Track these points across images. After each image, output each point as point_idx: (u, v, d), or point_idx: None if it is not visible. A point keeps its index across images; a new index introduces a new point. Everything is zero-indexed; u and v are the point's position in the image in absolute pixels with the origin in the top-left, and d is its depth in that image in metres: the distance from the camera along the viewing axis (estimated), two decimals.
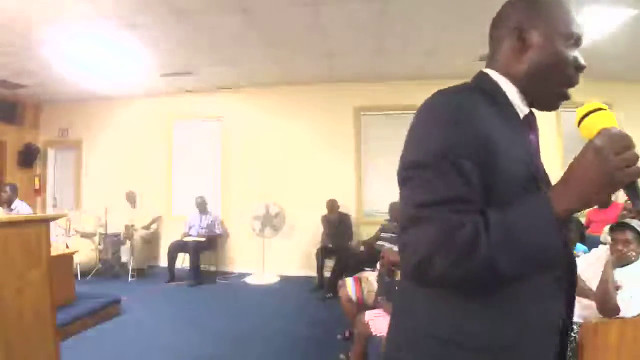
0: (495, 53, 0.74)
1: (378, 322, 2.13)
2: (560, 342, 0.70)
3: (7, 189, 4.24)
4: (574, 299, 0.73)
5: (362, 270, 3.29)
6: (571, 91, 0.71)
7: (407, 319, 0.71)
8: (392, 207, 4.32)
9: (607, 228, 2.78)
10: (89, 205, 5.89)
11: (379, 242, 4.16)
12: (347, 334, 2.95)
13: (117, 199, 5.55)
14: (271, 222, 5.10)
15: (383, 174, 5.23)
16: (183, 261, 5.12)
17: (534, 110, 0.74)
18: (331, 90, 5.38)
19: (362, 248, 4.61)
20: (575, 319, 1.75)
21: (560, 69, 0.68)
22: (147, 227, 5.50)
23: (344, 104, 5.42)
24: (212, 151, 5.83)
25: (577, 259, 0.93)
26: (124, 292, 4.00)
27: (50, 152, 6.48)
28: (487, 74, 0.73)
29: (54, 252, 2.36)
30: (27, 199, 5.26)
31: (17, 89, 5.37)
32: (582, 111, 0.62)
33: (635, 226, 1.97)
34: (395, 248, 2.89)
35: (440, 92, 0.65)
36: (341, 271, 4.18)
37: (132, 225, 5.29)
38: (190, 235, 5.13)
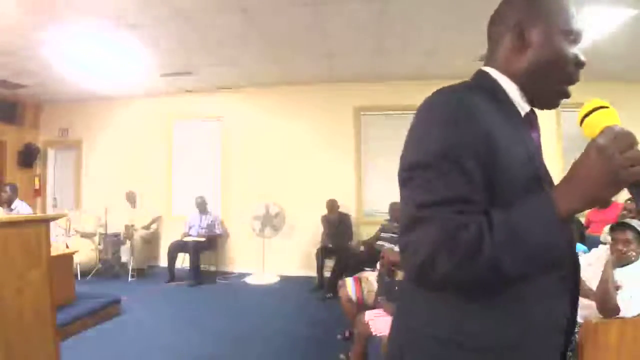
0: (494, 51, 0.74)
1: (378, 322, 2.13)
2: (564, 341, 0.69)
3: (7, 189, 4.24)
4: (578, 298, 0.73)
5: (362, 270, 3.29)
6: (571, 91, 0.70)
7: (408, 319, 0.71)
8: (392, 207, 4.32)
9: (607, 228, 2.78)
10: (89, 205, 5.89)
11: (379, 242, 4.16)
12: (347, 334, 2.95)
13: (117, 199, 5.55)
14: (271, 222, 5.10)
15: (383, 174, 5.23)
16: (183, 261, 5.12)
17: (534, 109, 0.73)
18: (331, 90, 5.38)
19: (362, 248, 4.61)
20: None
21: (560, 66, 0.67)
22: (147, 227, 5.50)
23: (344, 104, 5.42)
24: (212, 151, 5.83)
25: None
26: (124, 292, 4.00)
27: (50, 152, 6.48)
28: (486, 72, 0.73)
29: (54, 252, 2.36)
30: (27, 199, 5.27)
31: (17, 89, 5.37)
32: (584, 109, 0.61)
33: (636, 226, 1.96)
34: (396, 248, 2.90)
35: (439, 91, 0.65)
36: (341, 271, 4.18)
37: (132, 225, 5.29)
38: (190, 235, 5.13)
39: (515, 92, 0.70)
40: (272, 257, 5.22)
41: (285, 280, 5.06)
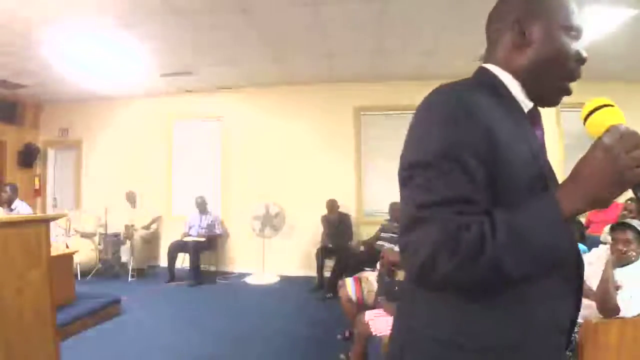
0: (494, 50, 0.73)
1: (378, 322, 2.13)
2: (565, 342, 0.69)
3: (7, 189, 4.24)
4: (581, 299, 0.72)
5: (362, 270, 3.29)
6: (572, 89, 0.69)
7: (408, 319, 0.71)
8: (392, 207, 4.32)
9: (607, 228, 2.79)
10: (89, 205, 5.89)
11: (379, 242, 4.16)
12: (347, 334, 2.95)
13: (117, 199, 5.54)
14: (271, 222, 5.10)
15: (383, 174, 5.23)
16: (183, 261, 5.12)
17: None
18: (331, 90, 5.38)
19: (362, 248, 4.61)
20: None
21: (561, 62, 0.67)
22: (147, 227, 5.50)
23: (344, 104, 5.42)
24: (212, 151, 5.83)
25: None
26: (124, 292, 4.00)
27: (50, 152, 6.48)
28: (487, 69, 0.72)
29: (54, 252, 2.36)
30: (27, 199, 5.27)
31: (17, 89, 5.37)
32: (588, 107, 0.60)
33: (636, 226, 1.97)
34: (396, 248, 2.90)
35: (438, 89, 0.64)
36: (341, 271, 4.18)
37: (132, 225, 5.29)
38: (190, 235, 5.13)
39: (518, 89, 0.69)
40: (272, 257, 5.22)
41: (285, 280, 5.06)
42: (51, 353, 1.95)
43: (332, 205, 4.92)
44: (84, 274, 4.84)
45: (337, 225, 4.85)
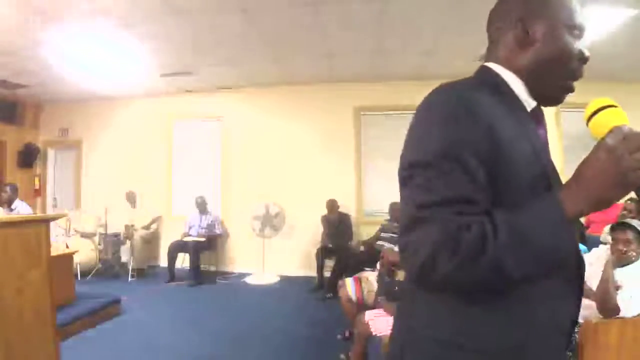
0: (496, 48, 0.72)
1: (378, 322, 2.13)
2: (566, 342, 0.68)
3: (7, 189, 4.24)
4: (581, 299, 0.72)
5: (362, 270, 3.29)
6: (574, 88, 0.69)
7: (408, 319, 0.71)
8: (392, 207, 4.32)
9: (607, 228, 2.79)
10: (89, 205, 5.89)
11: (379, 242, 4.16)
12: (347, 334, 2.95)
13: (117, 199, 5.55)
14: (271, 222, 5.10)
15: (383, 174, 5.23)
16: (183, 261, 5.12)
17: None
18: (331, 90, 5.38)
19: (362, 248, 4.61)
20: None
21: (564, 61, 0.66)
22: (147, 227, 5.50)
23: (344, 104, 5.42)
24: (212, 151, 5.83)
25: None
26: (124, 292, 4.00)
27: (50, 152, 6.48)
28: (489, 67, 0.71)
29: (54, 252, 2.36)
30: (27, 199, 5.27)
31: (17, 89, 5.37)
32: (591, 108, 0.59)
33: (636, 226, 1.97)
34: (396, 248, 2.90)
35: (438, 88, 0.64)
36: (341, 271, 4.18)
37: (132, 225, 5.29)
38: (190, 235, 5.13)
39: (521, 87, 0.68)
40: (272, 257, 5.22)
41: (285, 280, 5.06)
42: (51, 353, 1.95)
43: (332, 205, 4.92)
44: (84, 274, 4.84)
45: (337, 225, 4.85)
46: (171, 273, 4.90)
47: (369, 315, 2.22)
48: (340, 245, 4.68)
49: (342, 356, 2.59)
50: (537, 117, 0.70)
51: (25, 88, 5.34)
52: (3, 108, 5.75)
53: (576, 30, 0.67)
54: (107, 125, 6.14)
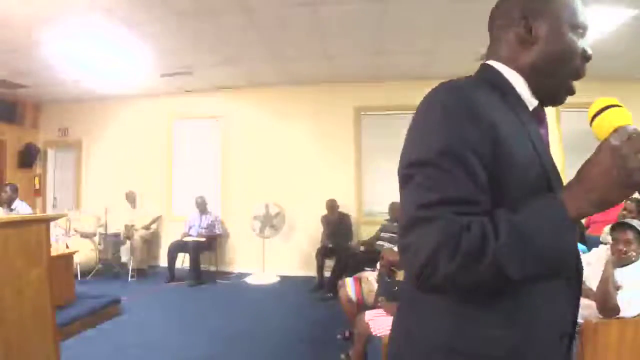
0: (498, 46, 0.71)
1: (378, 322, 2.13)
2: (568, 344, 0.67)
3: (7, 189, 4.24)
4: (580, 300, 0.71)
5: (362, 270, 3.29)
6: (575, 90, 0.69)
7: (407, 322, 0.70)
8: (392, 207, 4.33)
9: (607, 228, 2.79)
10: (89, 205, 5.89)
11: (379, 242, 4.16)
12: (347, 334, 2.94)
13: (117, 199, 5.55)
14: (271, 222, 5.10)
15: (383, 174, 5.22)
16: (183, 261, 5.12)
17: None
18: (331, 90, 5.38)
19: (362, 248, 4.61)
20: None
21: (568, 59, 0.66)
22: (147, 227, 5.50)
23: (344, 104, 5.42)
24: (212, 151, 5.83)
25: None
26: (124, 292, 4.01)
27: (50, 152, 6.48)
28: (490, 66, 0.70)
29: (54, 252, 2.36)
30: (27, 199, 5.27)
31: (17, 89, 5.37)
32: (595, 108, 0.58)
33: (637, 226, 1.96)
34: (396, 248, 2.89)
35: (439, 86, 0.63)
36: (341, 271, 4.18)
37: (132, 225, 5.29)
38: (190, 235, 5.13)
39: (523, 86, 0.67)
40: (272, 257, 5.22)
41: (285, 280, 5.06)
42: (51, 353, 1.95)
43: (332, 205, 4.92)
44: (84, 274, 4.84)
45: (337, 225, 4.85)
46: (171, 273, 4.90)
47: (369, 315, 2.22)
48: (340, 245, 4.68)
49: (342, 356, 2.59)
50: (538, 116, 0.69)
51: (25, 88, 5.34)
52: (3, 108, 5.75)
53: (579, 28, 0.67)
54: (107, 125, 6.14)
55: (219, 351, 2.82)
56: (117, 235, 5.24)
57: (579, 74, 0.67)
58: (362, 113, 5.46)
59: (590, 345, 1.59)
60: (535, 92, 0.68)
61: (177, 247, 5.01)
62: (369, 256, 4.01)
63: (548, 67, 0.66)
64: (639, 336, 1.57)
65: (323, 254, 4.72)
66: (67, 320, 2.89)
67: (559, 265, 0.55)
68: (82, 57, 4.28)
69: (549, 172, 0.63)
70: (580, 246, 2.75)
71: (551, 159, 0.66)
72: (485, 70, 0.70)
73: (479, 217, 0.54)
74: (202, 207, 5.27)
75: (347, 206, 5.14)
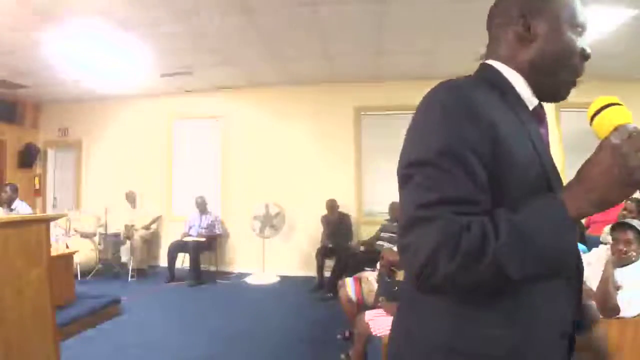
0: (497, 45, 0.71)
1: (378, 322, 2.13)
2: (568, 345, 0.67)
3: (7, 189, 4.24)
4: (581, 300, 0.70)
5: (362, 270, 3.29)
6: (572, 92, 0.68)
7: (406, 322, 0.70)
8: (392, 207, 4.32)
9: (607, 228, 2.79)
10: (89, 205, 5.89)
11: (379, 242, 4.16)
12: (347, 334, 2.94)
13: (117, 199, 5.55)
14: (271, 222, 5.10)
15: (383, 174, 5.22)
16: (183, 261, 5.12)
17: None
18: (331, 90, 5.38)
19: (362, 248, 4.61)
20: None
21: (567, 58, 0.65)
22: (147, 227, 5.50)
23: (344, 104, 5.42)
24: (212, 151, 5.83)
25: None
26: (124, 292, 4.01)
27: (50, 152, 6.49)
28: (490, 65, 0.70)
29: (54, 252, 2.36)
30: (27, 199, 5.27)
31: (17, 89, 5.37)
32: (594, 107, 0.58)
33: (637, 226, 1.96)
34: (395, 248, 2.89)
35: (438, 86, 0.62)
36: (341, 271, 4.18)
37: (132, 225, 5.29)
38: (190, 235, 5.13)
39: (523, 85, 0.67)
40: (272, 257, 5.22)
41: (285, 280, 5.06)
42: (51, 353, 1.95)
43: (332, 205, 4.92)
44: (84, 274, 4.83)
45: (337, 225, 4.85)
46: (171, 273, 4.90)
47: (369, 315, 2.22)
48: (340, 245, 4.67)
49: (342, 356, 2.59)
50: (538, 115, 0.69)
51: (25, 88, 5.34)
52: (3, 108, 5.75)
53: (578, 27, 0.67)
54: (107, 125, 6.15)
55: (219, 351, 2.82)
56: (117, 235, 5.24)
57: (578, 72, 0.67)
58: (362, 113, 5.46)
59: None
60: (535, 91, 0.68)
61: (177, 247, 5.01)
62: (369, 256, 4.01)
63: (547, 66, 0.66)
64: (639, 336, 1.58)
65: (323, 254, 4.72)
66: (67, 320, 2.89)
67: (559, 265, 0.55)
68: (82, 57, 4.28)
69: (549, 172, 0.63)
70: (580, 246, 2.75)
71: (551, 158, 0.66)
72: (485, 70, 0.70)
73: (479, 217, 0.54)
74: (202, 207, 5.27)
75: (347, 206, 5.14)
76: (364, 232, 4.99)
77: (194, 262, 4.82)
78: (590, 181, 0.52)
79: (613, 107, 0.56)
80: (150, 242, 5.55)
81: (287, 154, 5.52)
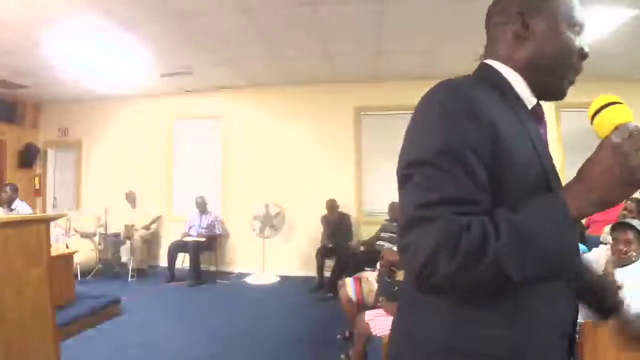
0: (495, 44, 0.71)
1: (378, 322, 2.13)
2: (568, 345, 0.67)
3: (7, 189, 4.24)
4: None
5: (362, 270, 3.29)
6: (571, 92, 0.68)
7: (406, 322, 0.70)
8: (392, 207, 4.33)
9: (607, 228, 2.79)
10: (89, 205, 5.89)
11: (379, 242, 4.16)
12: (347, 334, 2.95)
13: (117, 199, 5.55)
14: (271, 222, 5.10)
15: (383, 174, 5.22)
16: (183, 261, 5.13)
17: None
18: (331, 90, 5.38)
19: (362, 248, 4.61)
20: None
21: (565, 56, 0.65)
22: (147, 227, 5.50)
23: (344, 104, 5.42)
24: (212, 151, 5.83)
25: None
26: (124, 292, 4.01)
27: (50, 152, 6.49)
28: (489, 65, 0.70)
29: (54, 252, 2.36)
30: (27, 199, 5.27)
31: (17, 89, 5.37)
32: (595, 106, 0.57)
33: (637, 226, 1.96)
34: (395, 248, 2.89)
35: (437, 86, 0.62)
36: (341, 271, 4.18)
37: (132, 225, 5.29)
38: (190, 235, 5.13)
39: (521, 84, 0.67)
40: (272, 257, 5.22)
41: (285, 280, 5.06)
42: (51, 353, 1.95)
43: (332, 205, 4.92)
44: (84, 274, 4.83)
45: (337, 225, 4.85)
46: (171, 273, 4.90)
47: (369, 315, 2.22)
48: (340, 245, 4.67)
49: (342, 356, 2.59)
50: (537, 115, 0.69)
51: (25, 88, 5.34)
52: (3, 108, 5.75)
53: (576, 26, 0.66)
54: (107, 125, 6.15)
55: (219, 351, 2.82)
56: (117, 235, 5.24)
57: (576, 71, 0.67)
58: (362, 113, 5.46)
59: (589, 345, 1.59)
60: (533, 90, 0.68)
61: (177, 247, 5.01)
62: (369, 256, 4.01)
63: (545, 65, 0.66)
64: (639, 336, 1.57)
65: (323, 254, 4.72)
66: (67, 320, 2.89)
67: (559, 265, 0.54)
68: (82, 57, 4.28)
69: (548, 171, 0.63)
70: (581, 246, 2.75)
71: (550, 158, 0.66)
72: (484, 69, 0.70)
73: (479, 217, 0.53)
74: (202, 207, 5.27)
75: (347, 206, 5.14)
76: (364, 232, 4.99)
77: (194, 262, 4.82)
78: (590, 180, 0.52)
79: (614, 105, 0.56)
80: (150, 242, 5.55)
81: (287, 154, 5.52)
